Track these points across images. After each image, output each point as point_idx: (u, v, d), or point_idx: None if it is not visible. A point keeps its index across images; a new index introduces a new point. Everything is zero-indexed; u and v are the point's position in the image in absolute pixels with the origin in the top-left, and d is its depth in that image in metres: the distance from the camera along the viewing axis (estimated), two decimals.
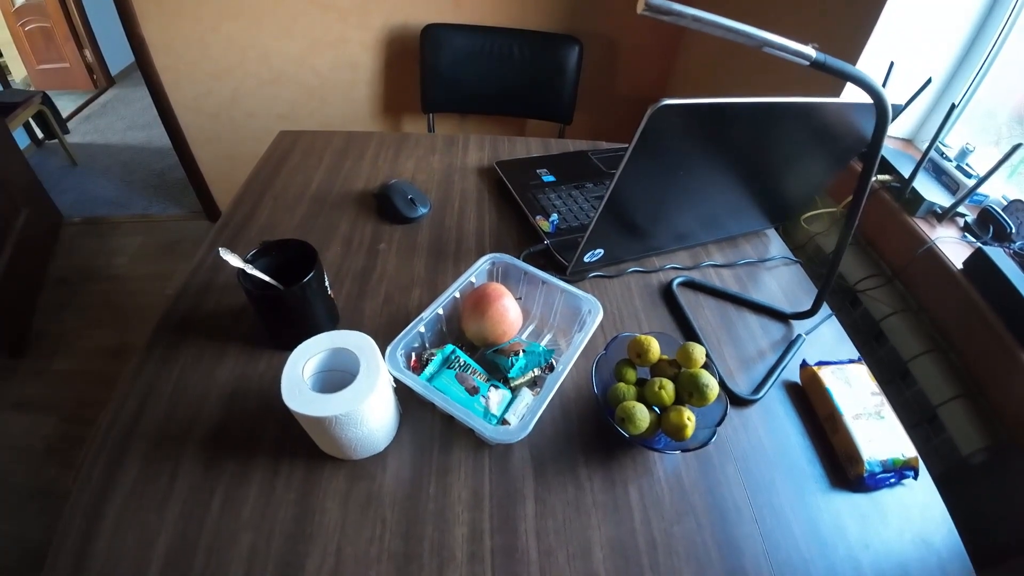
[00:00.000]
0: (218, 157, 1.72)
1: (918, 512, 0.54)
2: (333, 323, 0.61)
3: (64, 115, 2.24)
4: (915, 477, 0.55)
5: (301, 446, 0.50)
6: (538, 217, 0.77)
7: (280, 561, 0.44)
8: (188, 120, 1.61)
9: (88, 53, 2.49)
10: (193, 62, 1.47)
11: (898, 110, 0.90)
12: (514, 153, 0.94)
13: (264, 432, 0.52)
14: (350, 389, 0.42)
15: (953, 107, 0.82)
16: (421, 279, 0.70)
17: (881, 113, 0.47)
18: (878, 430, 0.56)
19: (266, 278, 0.54)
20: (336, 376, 0.46)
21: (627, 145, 0.92)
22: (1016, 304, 0.68)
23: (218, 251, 0.52)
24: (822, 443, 0.58)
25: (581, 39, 1.43)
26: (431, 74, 1.40)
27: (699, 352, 0.54)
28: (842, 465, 0.56)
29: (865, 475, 0.53)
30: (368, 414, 0.44)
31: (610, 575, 0.45)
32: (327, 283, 0.59)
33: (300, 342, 0.47)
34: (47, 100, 2.07)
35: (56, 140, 2.14)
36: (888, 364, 0.83)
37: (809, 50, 0.41)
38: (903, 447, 0.56)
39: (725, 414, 0.51)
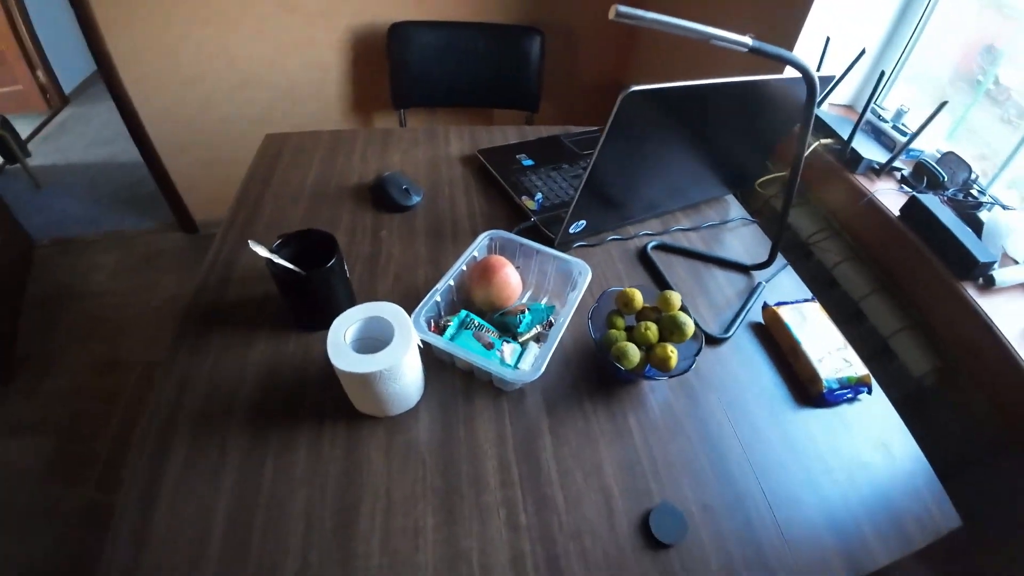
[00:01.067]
0: (191, 166, 1.72)
1: (876, 422, 0.64)
2: (352, 303, 0.68)
3: (22, 138, 2.18)
4: (869, 392, 0.66)
5: (341, 411, 0.57)
6: (523, 197, 0.85)
7: (336, 508, 0.50)
8: (158, 131, 1.62)
9: (41, 73, 2.42)
10: (163, 71, 1.48)
11: (833, 81, 1.02)
12: (493, 141, 1.01)
13: (303, 402, 0.58)
14: (390, 347, 0.49)
15: (883, 74, 0.92)
16: (424, 259, 0.77)
17: (810, 86, 0.56)
18: (832, 355, 0.67)
19: (291, 266, 0.60)
20: (371, 343, 0.53)
21: (597, 128, 1.01)
22: (949, 241, 0.79)
23: (248, 243, 0.57)
24: (786, 370, 0.68)
25: (542, 29, 1.50)
26: (400, 71, 1.45)
27: (676, 298, 0.63)
28: (805, 386, 0.66)
29: (824, 391, 0.63)
30: (405, 369, 0.51)
31: (620, 487, 0.54)
32: (345, 267, 0.65)
33: (326, 323, 0.53)
34: (6, 124, 2.02)
35: (18, 164, 2.09)
36: (842, 306, 0.94)
37: (747, 39, 0.50)
38: (854, 368, 0.66)
39: (701, 346, 0.60)
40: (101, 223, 1.97)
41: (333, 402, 0.57)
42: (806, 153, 0.98)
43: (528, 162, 0.94)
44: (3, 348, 1.50)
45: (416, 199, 0.84)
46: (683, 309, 0.63)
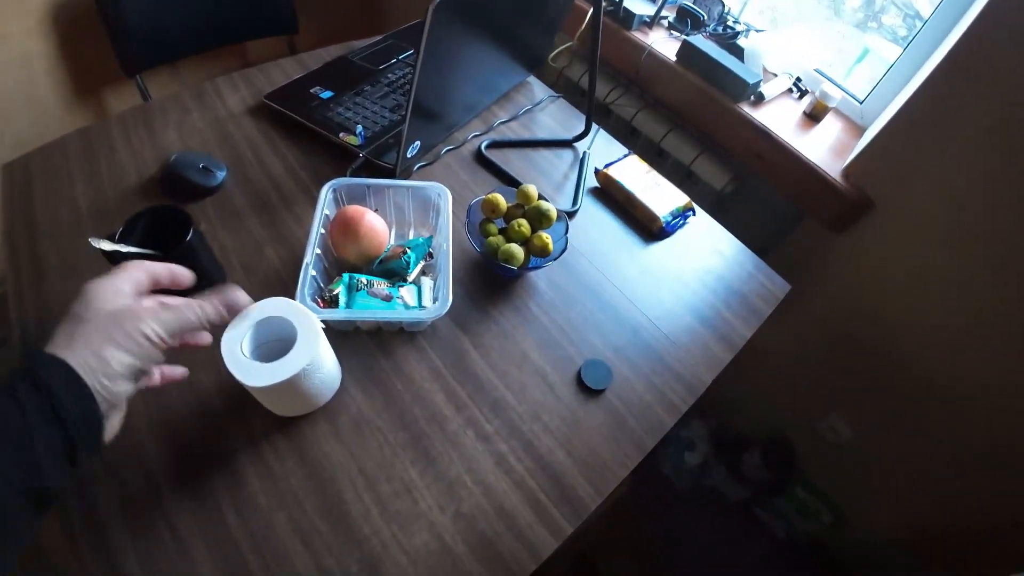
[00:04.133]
0: None
1: (705, 235, 0.80)
2: (224, 276, 0.63)
3: None
4: (694, 214, 0.81)
5: (268, 424, 0.53)
6: (342, 135, 0.78)
7: (321, 510, 0.49)
8: None
9: None
10: None
11: None
12: (274, 82, 0.88)
13: (225, 437, 0.52)
14: (300, 340, 0.46)
15: None
16: (264, 238, 0.69)
17: None
18: (660, 194, 0.79)
19: (148, 251, 0.51)
20: (273, 346, 0.48)
21: (381, 37, 0.95)
22: (718, 71, 0.94)
23: (90, 242, 0.47)
24: (629, 218, 0.80)
25: None
26: (120, 32, 1.10)
27: (532, 190, 0.67)
28: (647, 226, 0.79)
29: (664, 225, 0.77)
30: (324, 355, 0.49)
31: (549, 363, 0.61)
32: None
33: None
34: None
35: None
36: (647, 149, 1.09)
37: None
38: (678, 198, 0.80)
39: (567, 225, 0.68)
40: None
41: (258, 420, 0.53)
42: (584, 24, 1.05)
43: (326, 94, 0.85)
44: None
45: (221, 175, 0.73)
46: (541, 197, 0.68)
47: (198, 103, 0.84)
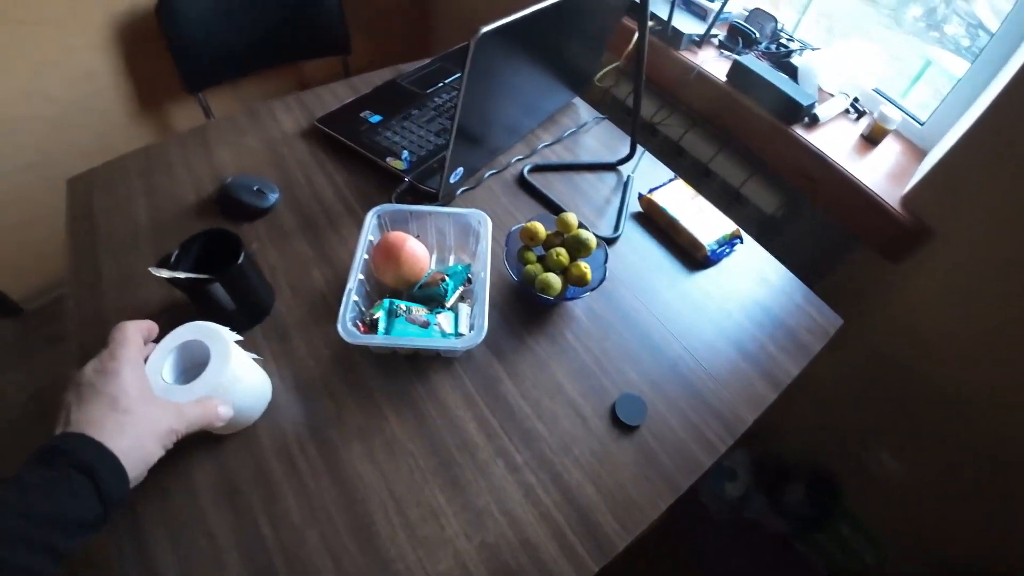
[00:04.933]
0: None
1: (752, 264, 0.78)
2: (272, 297, 0.66)
3: None
4: (741, 242, 0.79)
5: (301, 441, 0.55)
6: (388, 159, 0.81)
7: (351, 529, 0.50)
8: None
9: None
10: None
11: None
12: (326, 105, 0.92)
13: (258, 448, 0.55)
14: (212, 362, 0.49)
15: None
16: (312, 258, 0.72)
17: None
18: (705, 220, 0.78)
19: (201, 275, 0.55)
20: (196, 370, 0.50)
21: (430, 60, 0.97)
22: (773, 93, 0.91)
23: (150, 271, 0.52)
24: (672, 245, 0.78)
25: None
26: (183, 51, 1.20)
27: (572, 218, 0.67)
28: (691, 254, 0.77)
29: (708, 254, 0.75)
30: (239, 374, 0.51)
31: (582, 395, 0.61)
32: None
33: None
34: None
35: None
36: (694, 169, 1.07)
37: None
38: (725, 225, 0.78)
39: (607, 253, 0.67)
40: None
41: (294, 436, 0.55)
42: (631, 44, 1.04)
43: (375, 118, 0.88)
44: None
45: (273, 197, 0.76)
46: (580, 225, 0.68)
47: (254, 125, 0.88)
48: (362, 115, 0.88)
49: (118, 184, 0.78)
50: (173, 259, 0.56)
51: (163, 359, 0.49)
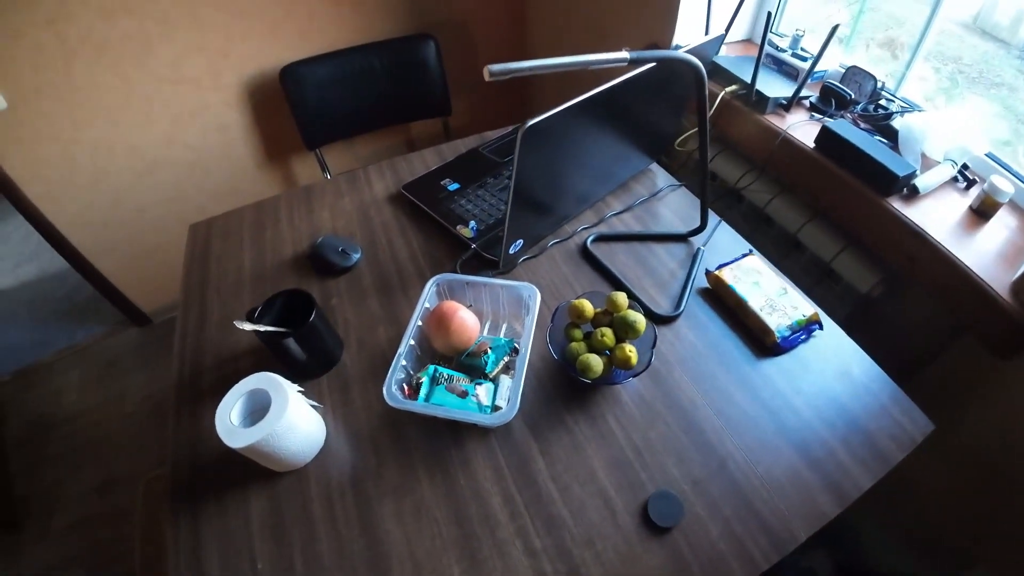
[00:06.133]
0: (123, 262, 1.67)
1: (832, 354, 0.70)
2: (341, 350, 0.73)
3: None
4: (820, 328, 0.71)
5: (342, 488, 0.60)
6: (458, 227, 0.86)
7: None
8: (80, 237, 1.56)
9: None
10: (65, 180, 1.42)
11: (721, 40, 1.05)
12: (414, 171, 1.02)
13: (304, 490, 0.61)
14: (272, 410, 0.55)
15: (770, 15, 0.95)
16: (380, 317, 0.78)
17: (698, 80, 0.59)
18: (780, 302, 0.72)
19: (279, 329, 0.63)
20: (258, 415, 0.56)
21: (513, 128, 1.02)
22: (866, 163, 0.83)
23: (234, 324, 0.62)
24: (739, 328, 0.73)
25: (433, 34, 1.48)
26: (303, 112, 1.42)
27: (622, 298, 0.66)
28: (759, 339, 0.71)
29: (779, 340, 0.69)
30: (295, 422, 0.57)
31: (615, 486, 0.59)
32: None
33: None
34: None
35: None
36: (781, 241, 1.00)
37: (624, 54, 0.52)
38: (803, 309, 0.71)
39: (655, 338, 0.65)
40: (53, 342, 1.90)
41: (335, 484, 0.60)
42: (711, 110, 1.02)
43: (453, 186, 0.95)
44: (2, 500, 1.47)
45: (356, 257, 0.86)
46: (631, 305, 0.67)
47: (351, 188, 1.00)
48: (442, 182, 0.96)
49: (232, 233, 0.92)
50: (257, 313, 0.65)
51: (233, 403, 0.57)
